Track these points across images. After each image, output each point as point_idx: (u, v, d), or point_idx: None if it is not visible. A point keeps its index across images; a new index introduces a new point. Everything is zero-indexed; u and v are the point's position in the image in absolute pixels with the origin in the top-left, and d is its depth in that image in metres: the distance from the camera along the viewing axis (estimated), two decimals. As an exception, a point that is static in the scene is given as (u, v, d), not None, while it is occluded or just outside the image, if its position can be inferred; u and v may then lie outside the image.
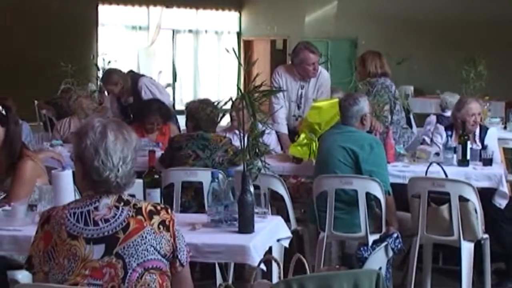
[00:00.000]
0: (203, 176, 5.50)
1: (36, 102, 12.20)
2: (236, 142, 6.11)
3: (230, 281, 4.98)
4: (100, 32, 17.84)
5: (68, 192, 4.13)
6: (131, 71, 9.01)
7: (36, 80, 13.62)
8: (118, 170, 2.99)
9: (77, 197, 4.12)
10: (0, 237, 3.96)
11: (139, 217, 2.98)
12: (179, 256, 3.05)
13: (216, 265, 4.90)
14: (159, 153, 6.14)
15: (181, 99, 19.34)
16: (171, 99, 8.67)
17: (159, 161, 5.91)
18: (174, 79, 20.00)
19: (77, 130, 3.09)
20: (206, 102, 6.06)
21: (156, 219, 3.00)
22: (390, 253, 5.20)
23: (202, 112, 5.92)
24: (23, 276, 4.27)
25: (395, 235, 5.23)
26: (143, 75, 8.96)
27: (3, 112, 4.78)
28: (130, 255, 2.93)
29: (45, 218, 3.03)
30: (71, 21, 16.11)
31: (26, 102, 10.45)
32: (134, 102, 8.37)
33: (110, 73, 8.50)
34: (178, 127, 8.18)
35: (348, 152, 5.56)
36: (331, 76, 7.79)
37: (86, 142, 2.99)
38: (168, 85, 19.78)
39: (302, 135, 6.40)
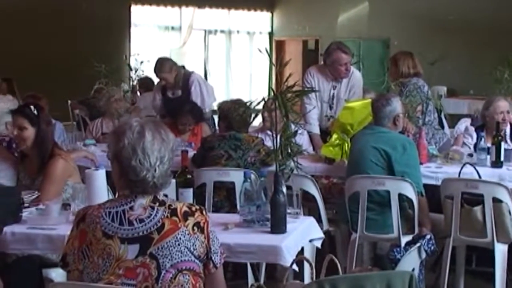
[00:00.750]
0: (235, 176, 5.51)
1: (69, 102, 12.29)
2: (268, 143, 6.12)
3: (262, 281, 4.98)
4: (132, 32, 17.92)
5: (102, 191, 4.16)
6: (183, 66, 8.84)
7: (70, 80, 13.72)
8: (155, 170, 3.00)
9: (110, 196, 4.17)
10: (34, 236, 3.99)
11: (174, 218, 2.99)
12: (212, 258, 3.06)
13: (248, 265, 4.90)
14: (191, 153, 6.15)
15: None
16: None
17: (191, 161, 5.93)
18: (206, 79, 20.02)
19: (115, 129, 3.10)
20: (238, 103, 6.07)
21: (191, 221, 3.01)
22: (423, 255, 5.17)
23: (234, 113, 5.93)
24: (57, 274, 4.31)
25: (428, 236, 5.19)
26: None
27: (35, 112, 4.84)
28: (164, 256, 2.94)
29: (81, 216, 3.05)
30: (104, 22, 16.22)
31: (60, 102, 10.54)
32: (181, 95, 8.20)
33: (164, 61, 8.29)
34: (214, 127, 8.12)
35: (381, 153, 5.54)
36: (363, 76, 7.76)
37: (124, 142, 3.00)
38: (200, 85, 19.82)
39: (334, 136, 6.38)
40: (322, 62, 7.89)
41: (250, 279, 4.99)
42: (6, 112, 5.58)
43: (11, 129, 5.39)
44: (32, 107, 4.91)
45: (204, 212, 3.08)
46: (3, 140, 5.42)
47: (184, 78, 8.17)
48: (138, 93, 11.11)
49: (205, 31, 19.78)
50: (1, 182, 4.87)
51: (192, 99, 8.02)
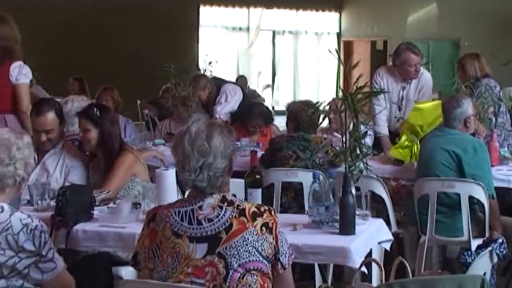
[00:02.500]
0: (303, 176, 5.50)
1: (139, 102, 12.43)
2: (335, 144, 6.09)
3: (329, 283, 4.96)
4: (201, 33, 18.05)
5: (171, 191, 4.20)
6: (215, 78, 8.88)
7: (141, 80, 13.89)
8: (196, 173, 3.01)
9: (179, 196, 4.20)
10: (105, 234, 4.05)
11: (242, 218, 3.00)
12: (281, 259, 3.06)
13: (316, 266, 4.89)
14: (259, 153, 6.16)
15: (279, 100, 19.39)
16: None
17: (260, 161, 5.94)
18: (273, 80, 20.06)
19: (179, 129, 3.13)
20: (307, 103, 6.06)
21: (259, 221, 3.01)
22: (495, 259, 5.05)
23: (303, 113, 5.92)
24: (126, 272, 4.37)
25: (500, 240, 5.11)
26: (227, 82, 8.82)
27: (97, 113, 4.90)
28: (232, 256, 2.96)
29: (151, 216, 3.10)
30: (173, 22, 16.37)
31: (130, 102, 10.66)
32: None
33: (199, 78, 8.30)
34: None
35: (451, 155, 5.47)
36: (433, 77, 7.66)
37: (183, 143, 3.04)
38: (268, 86, 19.87)
39: (404, 137, 6.31)
40: (390, 63, 7.82)
41: (318, 280, 4.97)
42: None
43: None
44: (95, 108, 4.98)
45: (273, 212, 3.07)
46: (76, 140, 5.52)
47: (215, 90, 8.19)
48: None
49: (273, 31, 19.81)
50: (73, 180, 4.96)
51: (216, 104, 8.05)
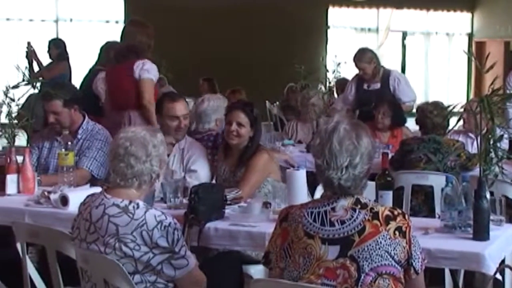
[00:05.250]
0: (434, 179, 5.41)
1: (267, 102, 12.54)
2: (468, 147, 5.97)
3: (460, 288, 4.86)
4: (329, 34, 18.04)
5: (302, 191, 4.21)
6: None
7: (269, 80, 13.99)
8: (342, 172, 3.00)
9: (309, 197, 4.21)
10: (236, 233, 4.09)
11: (375, 221, 2.98)
12: (413, 264, 3.02)
13: (446, 271, 4.80)
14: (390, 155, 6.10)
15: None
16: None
17: (389, 162, 5.88)
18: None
19: (323, 128, 3.12)
20: (435, 105, 5.97)
21: (393, 225, 2.98)
22: None
23: (434, 115, 5.83)
24: (255, 271, 4.41)
25: None
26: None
27: (254, 113, 4.98)
28: (364, 259, 2.94)
29: (284, 215, 3.11)
30: (301, 23, 16.41)
31: (258, 102, 10.79)
32: (379, 89, 8.12)
33: (364, 51, 8.18)
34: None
35: None
36: None
37: (316, 140, 3.06)
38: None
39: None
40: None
41: (448, 286, 4.88)
42: (215, 109, 5.82)
43: (220, 125, 5.60)
44: (252, 107, 5.04)
45: (406, 216, 3.04)
46: (211, 135, 5.64)
47: (384, 73, 8.05)
48: (335, 95, 11.15)
49: (403, 32, 19.56)
50: (194, 169, 5.06)
51: (394, 93, 7.90)
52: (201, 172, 5.15)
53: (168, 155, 4.92)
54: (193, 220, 4.01)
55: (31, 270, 3.87)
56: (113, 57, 6.67)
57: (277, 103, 12.19)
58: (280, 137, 8.10)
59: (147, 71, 6.25)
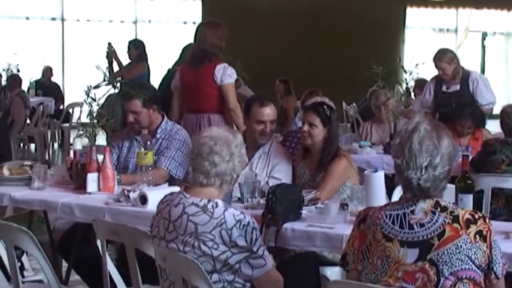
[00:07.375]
0: (516, 183, 5.32)
1: (344, 103, 12.49)
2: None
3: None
4: (407, 34, 17.88)
5: (380, 193, 4.18)
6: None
7: (346, 82, 13.94)
8: (422, 172, 2.96)
9: (387, 200, 4.17)
10: (313, 234, 4.07)
11: (455, 225, 2.93)
12: (494, 268, 2.96)
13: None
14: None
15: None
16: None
17: (470, 163, 5.79)
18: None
19: (403, 127, 3.10)
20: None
21: (473, 229, 2.93)
22: None
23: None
24: (331, 272, 4.40)
25: None
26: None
27: (327, 112, 4.96)
28: (444, 263, 2.90)
29: (362, 217, 3.09)
30: (378, 23, 16.31)
31: (335, 103, 10.75)
32: (458, 91, 7.98)
33: (445, 51, 8.11)
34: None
35: None
36: None
37: (396, 140, 3.03)
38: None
39: None
40: None
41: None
42: None
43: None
44: (325, 106, 5.02)
45: (487, 220, 2.98)
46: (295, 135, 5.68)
47: (463, 74, 7.92)
48: (413, 96, 11.02)
49: (482, 33, 19.23)
50: (278, 177, 5.07)
51: (474, 95, 7.76)
52: (284, 181, 5.12)
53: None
54: (271, 221, 4.01)
55: (111, 267, 3.93)
56: (189, 60, 6.73)
57: (354, 104, 12.12)
58: (357, 138, 8.06)
59: (229, 76, 6.33)
